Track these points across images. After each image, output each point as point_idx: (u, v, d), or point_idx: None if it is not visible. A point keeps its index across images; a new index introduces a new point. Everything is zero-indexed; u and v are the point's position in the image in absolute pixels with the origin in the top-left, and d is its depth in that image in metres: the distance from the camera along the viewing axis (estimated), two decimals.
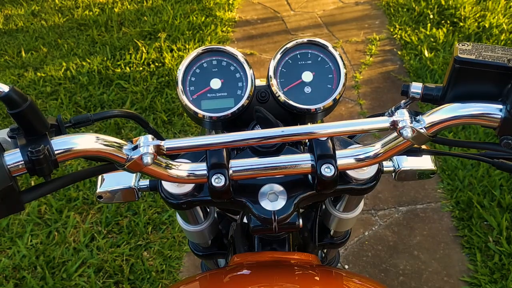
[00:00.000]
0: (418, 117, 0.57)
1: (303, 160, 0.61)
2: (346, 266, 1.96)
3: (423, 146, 0.71)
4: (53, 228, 2.14)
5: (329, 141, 0.62)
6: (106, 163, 0.60)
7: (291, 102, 0.71)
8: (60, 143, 0.52)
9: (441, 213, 2.15)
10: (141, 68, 3.21)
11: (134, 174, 0.75)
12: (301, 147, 0.72)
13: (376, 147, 0.61)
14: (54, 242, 2.08)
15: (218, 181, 0.60)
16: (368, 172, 0.67)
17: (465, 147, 0.69)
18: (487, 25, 3.28)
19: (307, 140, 0.68)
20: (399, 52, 3.30)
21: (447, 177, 2.28)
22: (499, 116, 0.54)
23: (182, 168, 0.61)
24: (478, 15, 3.43)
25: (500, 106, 0.54)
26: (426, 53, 3.14)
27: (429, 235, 2.06)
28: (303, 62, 0.74)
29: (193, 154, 0.70)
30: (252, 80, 0.72)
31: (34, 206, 2.23)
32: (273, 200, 0.63)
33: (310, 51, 0.74)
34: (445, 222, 2.11)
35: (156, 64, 3.25)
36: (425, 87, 0.61)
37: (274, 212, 0.62)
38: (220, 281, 0.74)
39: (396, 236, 2.07)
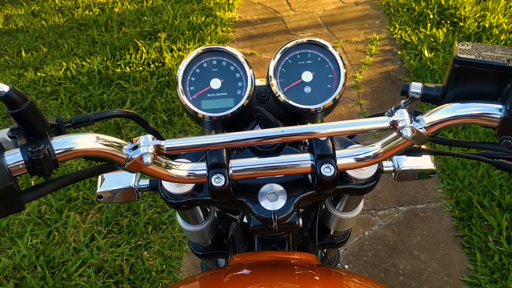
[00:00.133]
0: (417, 117, 0.57)
1: (303, 160, 0.62)
2: (346, 266, 1.96)
3: (423, 146, 0.71)
4: (53, 228, 2.14)
5: (329, 141, 0.62)
6: (106, 163, 0.60)
7: (291, 102, 0.71)
8: (60, 143, 0.52)
9: (441, 213, 2.15)
10: (141, 68, 3.21)
11: (134, 174, 0.75)
12: (301, 147, 0.72)
13: (376, 147, 0.61)
14: (54, 242, 2.08)
15: (218, 181, 0.60)
16: (368, 172, 0.67)
17: (465, 147, 0.69)
18: (487, 25, 3.28)
19: (307, 140, 0.68)
20: (399, 52, 3.30)
21: (447, 177, 2.28)
22: (499, 116, 0.54)
23: (182, 168, 0.61)
24: (478, 15, 3.43)
25: (500, 106, 0.54)
26: (426, 53, 3.14)
27: (429, 235, 2.06)
28: (303, 62, 0.74)
29: (193, 154, 0.70)
30: (252, 80, 0.72)
31: (34, 206, 2.23)
32: (273, 200, 0.63)
33: (310, 51, 0.74)
34: (445, 222, 2.11)
35: (156, 64, 3.25)
36: (425, 87, 0.61)
37: (274, 212, 0.62)
38: (220, 281, 0.74)
39: (396, 236, 2.07)
